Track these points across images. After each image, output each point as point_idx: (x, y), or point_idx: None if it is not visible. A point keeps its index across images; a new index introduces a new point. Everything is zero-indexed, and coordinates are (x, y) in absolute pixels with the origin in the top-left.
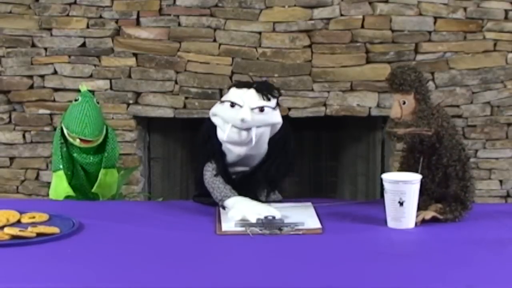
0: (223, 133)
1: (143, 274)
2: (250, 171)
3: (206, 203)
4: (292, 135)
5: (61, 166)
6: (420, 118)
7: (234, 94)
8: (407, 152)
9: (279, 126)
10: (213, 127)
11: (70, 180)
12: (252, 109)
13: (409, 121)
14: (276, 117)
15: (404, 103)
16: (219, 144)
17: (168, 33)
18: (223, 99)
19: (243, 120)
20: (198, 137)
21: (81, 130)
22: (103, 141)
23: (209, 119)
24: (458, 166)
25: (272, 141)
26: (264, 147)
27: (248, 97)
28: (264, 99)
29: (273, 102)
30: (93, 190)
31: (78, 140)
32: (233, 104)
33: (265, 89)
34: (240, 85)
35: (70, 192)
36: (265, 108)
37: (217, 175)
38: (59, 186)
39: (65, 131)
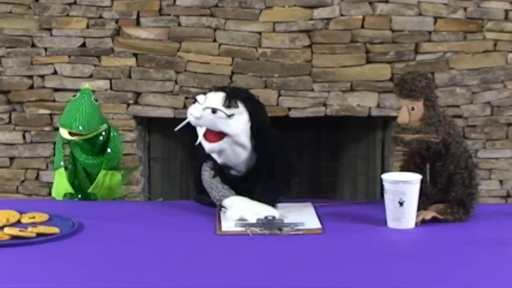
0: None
1: (143, 274)
2: (241, 177)
3: (207, 203)
4: (282, 141)
5: (62, 164)
6: (428, 124)
7: (204, 94)
8: (408, 157)
9: (240, 140)
10: None
11: (72, 180)
12: (205, 108)
13: (417, 127)
14: (229, 127)
15: (413, 109)
16: None
17: (168, 33)
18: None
19: (192, 116)
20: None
21: (69, 123)
22: (105, 142)
23: None
24: (466, 174)
25: (260, 149)
26: (240, 160)
27: (211, 98)
28: (224, 105)
29: (232, 110)
30: (89, 190)
31: (66, 132)
32: (195, 101)
33: (233, 96)
34: (216, 88)
35: (69, 189)
36: (218, 112)
37: (215, 176)
38: (60, 183)
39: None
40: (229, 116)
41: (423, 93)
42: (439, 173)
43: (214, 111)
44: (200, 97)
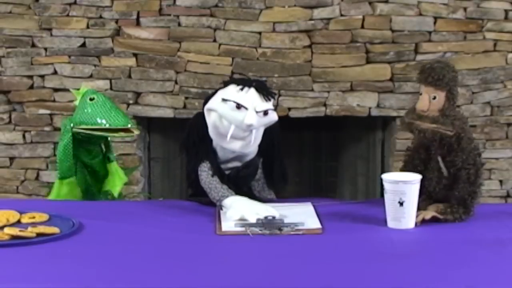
0: (214, 130)
1: (143, 274)
2: (242, 165)
3: (203, 203)
4: (279, 128)
5: (70, 173)
6: (446, 116)
7: (236, 94)
8: (413, 151)
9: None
10: (205, 125)
11: (83, 185)
12: (257, 112)
13: (434, 117)
14: (274, 117)
15: (434, 98)
16: (211, 142)
17: (168, 33)
18: (225, 97)
19: (251, 126)
20: (188, 136)
21: (125, 120)
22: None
23: (197, 116)
24: (472, 170)
25: (263, 136)
26: (256, 145)
27: (252, 99)
28: (266, 101)
29: (272, 102)
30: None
31: (120, 132)
32: (239, 106)
33: (265, 89)
34: (238, 82)
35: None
36: (269, 111)
37: (213, 175)
38: (69, 195)
39: (80, 129)
40: (275, 109)
41: (448, 84)
42: (448, 168)
43: (266, 113)
44: (243, 101)
